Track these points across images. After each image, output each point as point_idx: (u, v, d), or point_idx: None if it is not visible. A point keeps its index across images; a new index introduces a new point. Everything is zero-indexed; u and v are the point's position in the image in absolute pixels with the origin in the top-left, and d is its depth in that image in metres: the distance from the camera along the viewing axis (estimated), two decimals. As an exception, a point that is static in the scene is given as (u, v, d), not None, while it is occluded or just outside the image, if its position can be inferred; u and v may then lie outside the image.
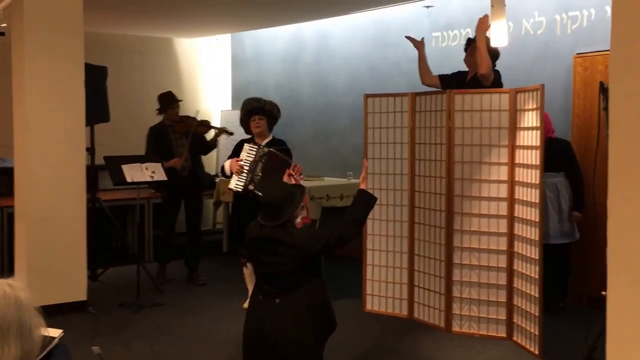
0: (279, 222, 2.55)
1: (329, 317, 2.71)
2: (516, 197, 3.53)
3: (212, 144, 5.00)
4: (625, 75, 1.75)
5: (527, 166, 3.42)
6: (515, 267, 3.53)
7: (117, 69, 5.90)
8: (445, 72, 4.04)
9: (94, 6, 4.67)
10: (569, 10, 4.28)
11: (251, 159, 3.87)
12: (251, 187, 3.83)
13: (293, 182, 2.91)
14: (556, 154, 3.84)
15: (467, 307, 3.68)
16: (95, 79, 4.58)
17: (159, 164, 4.46)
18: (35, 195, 3.97)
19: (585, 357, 2.99)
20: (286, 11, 5.44)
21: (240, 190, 3.87)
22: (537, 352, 3.31)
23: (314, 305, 2.60)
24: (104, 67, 4.80)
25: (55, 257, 4.00)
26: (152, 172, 4.39)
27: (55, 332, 1.93)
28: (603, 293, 1.85)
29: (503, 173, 3.58)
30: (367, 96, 4.12)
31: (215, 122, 6.58)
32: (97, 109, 4.58)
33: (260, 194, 3.74)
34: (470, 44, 3.87)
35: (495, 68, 3.86)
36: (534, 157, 3.36)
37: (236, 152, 4.03)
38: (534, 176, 3.36)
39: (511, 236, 3.55)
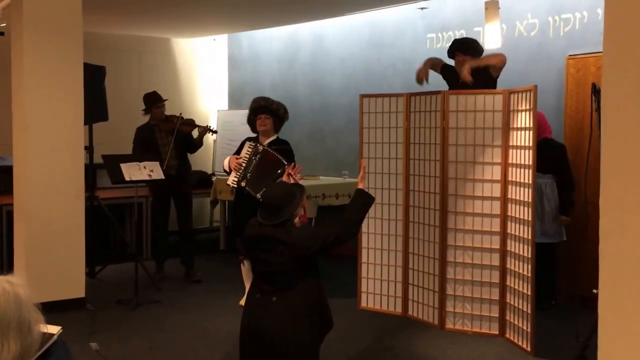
0: (279, 221, 2.57)
1: (326, 316, 2.75)
2: (509, 196, 3.59)
3: (198, 143, 5.03)
4: (617, 76, 1.78)
5: (520, 166, 3.48)
6: (507, 265, 3.59)
7: (115, 68, 5.93)
8: (440, 77, 4.06)
9: (92, 6, 4.70)
10: (561, 12, 4.34)
11: (248, 157, 3.93)
12: (243, 183, 3.88)
13: (292, 181, 2.95)
14: (548, 156, 3.89)
15: (460, 305, 3.73)
16: (94, 79, 4.61)
17: (157, 163, 4.50)
18: (34, 194, 4.00)
19: (577, 355, 3.04)
20: (282, 12, 5.48)
21: (235, 186, 3.93)
22: (529, 349, 3.37)
23: (311, 304, 2.63)
24: (103, 66, 4.83)
25: (54, 254, 4.04)
26: (150, 170, 4.43)
27: (54, 329, 1.96)
28: (594, 291, 1.89)
29: (496, 173, 3.64)
30: (363, 96, 4.17)
31: (212, 123, 6.62)
32: (95, 108, 4.61)
33: (252, 192, 3.79)
34: (454, 50, 3.88)
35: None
36: (526, 157, 3.42)
37: (240, 149, 4.10)
38: (526, 176, 3.42)
39: (504, 235, 3.61)
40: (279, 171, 3.72)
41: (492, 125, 3.64)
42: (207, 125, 4.98)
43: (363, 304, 4.16)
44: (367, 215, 4.12)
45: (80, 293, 4.17)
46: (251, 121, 4.17)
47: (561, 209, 3.97)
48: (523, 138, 3.46)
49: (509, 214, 3.57)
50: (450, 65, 3.98)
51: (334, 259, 5.48)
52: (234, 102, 7.10)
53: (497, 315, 3.64)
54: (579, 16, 4.24)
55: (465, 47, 3.85)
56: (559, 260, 4.19)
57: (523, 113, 3.47)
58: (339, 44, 5.89)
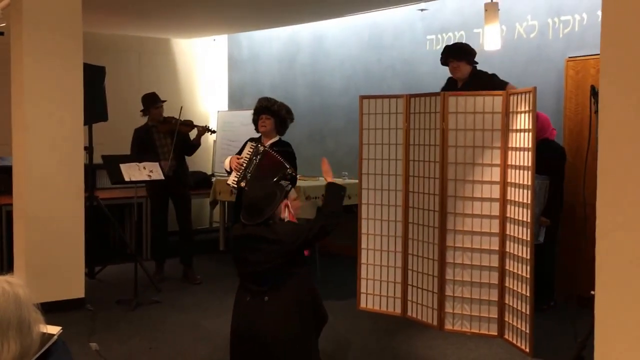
0: (261, 221, 2.62)
1: (319, 309, 2.76)
2: (508, 197, 3.60)
3: (197, 144, 5.03)
4: (615, 78, 1.79)
5: (519, 167, 3.49)
6: (506, 267, 3.60)
7: (115, 68, 5.94)
8: (439, 78, 4.08)
9: (92, 6, 4.71)
10: (561, 14, 4.35)
11: (249, 157, 3.94)
12: (243, 183, 3.89)
13: (287, 214, 2.94)
14: (546, 157, 3.89)
15: (459, 306, 3.74)
16: (94, 79, 4.62)
17: (157, 164, 4.50)
18: (33, 194, 4.01)
19: (575, 355, 3.05)
20: (282, 13, 5.49)
21: (235, 186, 3.95)
22: (527, 350, 3.37)
23: (302, 299, 2.66)
24: (102, 67, 4.83)
25: (54, 254, 4.04)
26: (150, 171, 4.43)
27: (54, 329, 1.97)
28: (592, 292, 1.90)
29: (495, 174, 3.65)
30: (362, 97, 4.18)
31: (212, 123, 6.62)
32: (95, 108, 4.61)
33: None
34: (447, 57, 3.88)
35: (493, 72, 3.92)
36: (525, 159, 3.43)
37: (242, 149, 4.11)
38: (525, 177, 3.43)
39: (503, 236, 3.62)
40: (280, 173, 3.73)
41: (491, 127, 3.65)
42: (205, 126, 4.99)
43: (362, 304, 4.16)
44: (366, 216, 4.17)
45: (80, 293, 4.18)
46: (254, 121, 4.19)
47: (545, 209, 3.96)
48: (522, 140, 3.47)
49: (508, 215, 3.58)
50: (444, 86, 4.00)
51: (334, 259, 5.49)
52: (234, 102, 7.11)
53: (496, 316, 3.64)
54: (579, 18, 4.25)
55: (458, 53, 3.86)
56: (557, 261, 4.20)
57: (522, 115, 3.48)
58: (339, 45, 5.90)
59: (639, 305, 1.75)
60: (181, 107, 4.94)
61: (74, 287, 4.15)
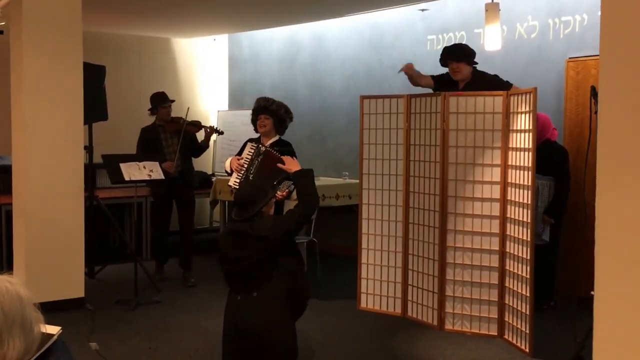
0: (248, 216, 2.68)
1: (300, 299, 2.82)
2: (508, 198, 3.59)
3: (204, 145, 5.02)
4: (614, 79, 1.80)
5: (519, 168, 3.49)
6: (506, 267, 3.60)
7: (115, 68, 5.93)
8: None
9: (92, 6, 4.71)
10: (561, 15, 4.35)
11: (250, 158, 3.93)
12: None
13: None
14: (548, 158, 3.89)
15: (459, 306, 3.74)
16: (94, 78, 4.62)
17: (157, 163, 4.50)
18: (33, 193, 4.01)
19: (574, 355, 3.05)
20: (283, 12, 5.49)
21: (237, 187, 3.93)
22: (527, 350, 3.37)
23: (290, 287, 2.72)
24: (102, 66, 4.83)
25: (53, 254, 4.04)
26: (150, 170, 4.43)
27: (54, 329, 1.97)
28: (592, 293, 1.90)
29: (496, 174, 3.65)
30: (363, 97, 4.18)
31: (212, 123, 6.62)
32: (95, 107, 4.61)
33: None
34: (446, 59, 3.87)
35: (494, 73, 3.92)
36: (526, 159, 3.43)
37: (242, 150, 4.09)
38: (525, 178, 3.43)
39: (503, 236, 3.61)
40: (284, 174, 3.73)
41: (492, 127, 3.65)
42: (213, 126, 4.97)
43: (362, 304, 4.16)
44: (367, 217, 4.16)
45: (80, 293, 4.17)
46: (253, 122, 4.18)
47: (548, 209, 3.96)
48: (523, 140, 3.46)
49: (509, 215, 3.58)
50: (441, 75, 3.99)
51: (334, 259, 5.49)
52: (234, 102, 7.11)
53: (496, 316, 3.64)
54: (579, 19, 4.25)
55: (458, 55, 3.84)
56: (558, 261, 4.20)
57: (523, 115, 3.48)
58: (340, 45, 5.90)
59: (638, 305, 1.75)
60: (188, 108, 4.94)
61: (74, 286, 4.15)
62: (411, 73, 4.04)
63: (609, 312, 1.82)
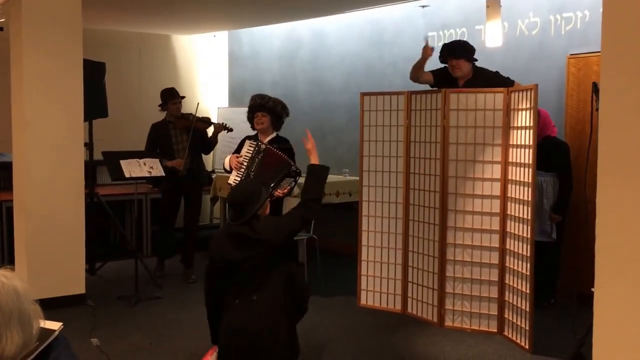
0: (245, 219, 2.61)
1: (300, 301, 2.77)
2: (509, 195, 3.59)
3: (213, 141, 5.01)
4: (616, 75, 1.80)
5: (520, 165, 3.49)
6: (506, 264, 3.60)
7: (115, 65, 5.93)
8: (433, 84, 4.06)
9: (92, 2, 4.70)
10: (563, 11, 4.34)
11: (250, 156, 3.92)
12: None
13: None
14: (550, 154, 3.89)
15: (459, 303, 3.74)
16: (94, 75, 4.61)
17: (157, 160, 4.49)
18: (34, 190, 4.01)
19: (574, 352, 3.06)
20: (283, 9, 5.48)
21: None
22: (527, 347, 3.38)
23: (287, 289, 2.67)
24: (102, 63, 4.83)
25: (54, 251, 4.04)
26: (150, 167, 4.43)
27: (55, 325, 1.97)
28: (592, 290, 1.90)
29: (496, 171, 3.64)
30: (363, 94, 4.17)
31: (212, 119, 6.61)
32: (95, 104, 4.61)
33: None
34: (445, 56, 3.85)
35: (495, 70, 3.91)
36: (526, 156, 3.42)
37: (239, 148, 4.08)
38: (526, 174, 3.43)
39: (503, 233, 3.62)
40: (285, 171, 3.72)
41: (492, 124, 3.65)
42: (222, 123, 4.95)
43: (363, 301, 4.17)
44: (367, 214, 4.16)
45: (81, 289, 4.18)
46: (250, 119, 4.17)
47: (555, 206, 3.96)
48: (523, 137, 3.46)
49: (509, 212, 3.58)
50: (439, 69, 3.97)
51: (334, 256, 5.50)
52: (235, 99, 7.10)
53: (495, 313, 3.65)
54: (581, 15, 4.24)
55: (457, 52, 3.83)
56: (560, 258, 4.20)
57: (523, 112, 3.47)
58: (340, 42, 5.89)
59: (638, 302, 1.75)
60: (197, 104, 4.92)
61: (75, 283, 4.16)
62: (427, 56, 3.92)
63: (609, 309, 1.83)
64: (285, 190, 3.77)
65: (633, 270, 1.77)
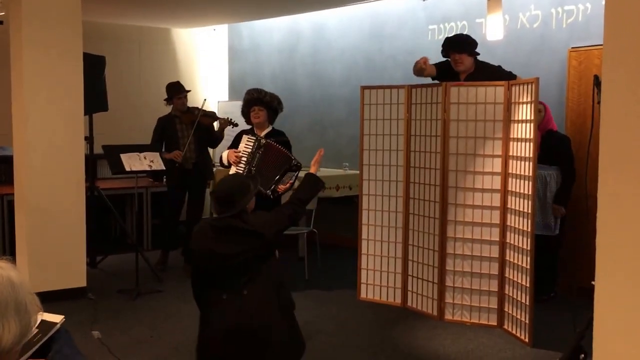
0: (234, 212, 2.56)
1: (285, 294, 2.74)
2: (509, 188, 3.59)
3: (219, 136, 4.99)
4: (617, 68, 1.79)
5: (521, 158, 3.48)
6: (507, 258, 3.61)
7: (115, 58, 5.91)
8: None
9: (92, -5, 4.69)
10: (564, 4, 4.32)
11: (249, 151, 3.91)
12: None
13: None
14: (552, 147, 3.89)
15: (459, 296, 3.75)
16: (94, 69, 4.60)
17: (157, 154, 4.49)
18: (34, 184, 4.01)
19: (574, 345, 3.06)
20: (283, 2, 5.46)
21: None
22: (527, 340, 3.39)
23: (275, 282, 2.66)
24: (102, 56, 4.81)
25: (55, 244, 4.05)
26: (151, 161, 4.43)
27: (56, 318, 1.97)
28: (593, 283, 1.90)
29: (497, 165, 3.64)
30: (364, 88, 4.16)
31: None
32: (95, 98, 4.60)
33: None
34: (447, 50, 3.83)
35: (498, 64, 3.89)
36: (527, 150, 3.42)
37: (235, 142, 4.07)
38: (527, 168, 3.42)
39: (503, 227, 3.62)
40: (287, 164, 3.72)
41: (493, 118, 3.64)
42: (227, 118, 4.93)
43: (363, 295, 4.18)
44: (367, 207, 4.16)
45: (82, 282, 4.20)
46: (245, 113, 4.16)
47: (556, 197, 3.96)
48: (524, 130, 3.46)
49: (509, 206, 3.58)
50: (441, 62, 3.95)
51: (334, 249, 5.50)
52: (235, 92, 7.09)
53: (495, 306, 3.66)
54: (582, 8, 4.22)
55: (459, 46, 3.81)
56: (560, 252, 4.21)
57: (524, 105, 3.47)
58: (340, 35, 5.87)
59: (638, 295, 1.76)
60: (204, 100, 4.91)
61: (76, 276, 4.17)
62: (424, 67, 3.92)
63: (609, 302, 1.83)
64: (287, 185, 3.77)
65: (634, 263, 1.77)
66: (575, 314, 3.31)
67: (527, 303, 3.39)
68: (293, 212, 2.72)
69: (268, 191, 3.67)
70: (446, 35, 4.98)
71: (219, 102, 6.97)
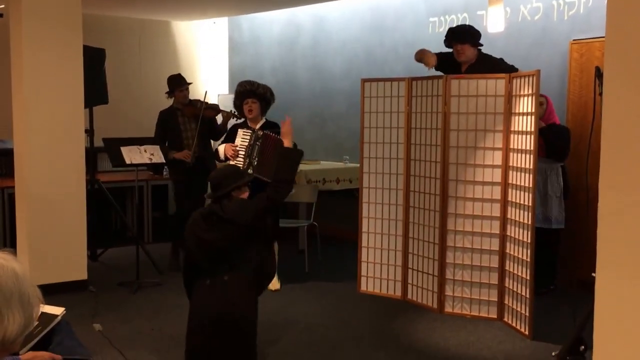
0: (218, 195, 2.64)
1: (266, 279, 2.79)
2: (510, 181, 3.59)
3: (222, 129, 4.97)
4: (619, 59, 1.78)
5: (521, 151, 3.48)
6: (507, 250, 3.61)
7: (115, 51, 5.89)
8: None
9: (91, -12, 4.66)
10: (565, -4, 4.30)
11: (246, 144, 3.90)
12: (250, 171, 3.87)
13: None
14: (555, 140, 3.87)
15: (459, 289, 3.76)
16: (94, 61, 4.59)
17: (157, 147, 4.48)
18: (35, 177, 4.01)
19: (574, 337, 3.07)
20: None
21: None
22: (527, 333, 3.40)
23: (258, 268, 2.69)
24: (102, 49, 4.80)
25: (56, 237, 4.06)
26: (151, 154, 4.42)
27: (58, 310, 1.98)
28: (593, 274, 1.91)
29: (497, 158, 3.64)
30: (364, 80, 4.15)
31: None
32: (95, 91, 4.59)
33: (262, 177, 3.79)
34: (450, 41, 3.81)
35: (500, 57, 3.87)
36: (528, 142, 3.41)
37: (230, 136, 4.05)
38: (527, 161, 3.42)
39: (504, 220, 3.62)
40: None
41: (493, 110, 3.64)
42: (231, 110, 4.90)
43: (363, 287, 4.19)
44: (367, 200, 4.16)
45: (83, 275, 4.21)
46: (237, 106, 4.15)
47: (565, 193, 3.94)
48: (525, 123, 3.45)
49: (510, 199, 3.58)
50: (444, 53, 3.93)
51: (335, 242, 5.51)
52: (235, 85, 7.04)
53: (495, 299, 3.66)
54: (584, 0, 4.20)
55: (462, 36, 3.79)
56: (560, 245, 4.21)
57: (525, 98, 3.46)
58: (340, 28, 5.84)
59: (639, 287, 1.76)
60: (206, 92, 4.87)
61: (77, 269, 4.18)
62: (422, 59, 3.90)
63: (610, 294, 1.83)
64: None
65: (635, 256, 1.77)
66: (575, 306, 3.32)
67: (527, 296, 3.40)
68: (271, 192, 2.73)
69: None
70: (446, 28, 4.97)
71: (219, 95, 6.95)
